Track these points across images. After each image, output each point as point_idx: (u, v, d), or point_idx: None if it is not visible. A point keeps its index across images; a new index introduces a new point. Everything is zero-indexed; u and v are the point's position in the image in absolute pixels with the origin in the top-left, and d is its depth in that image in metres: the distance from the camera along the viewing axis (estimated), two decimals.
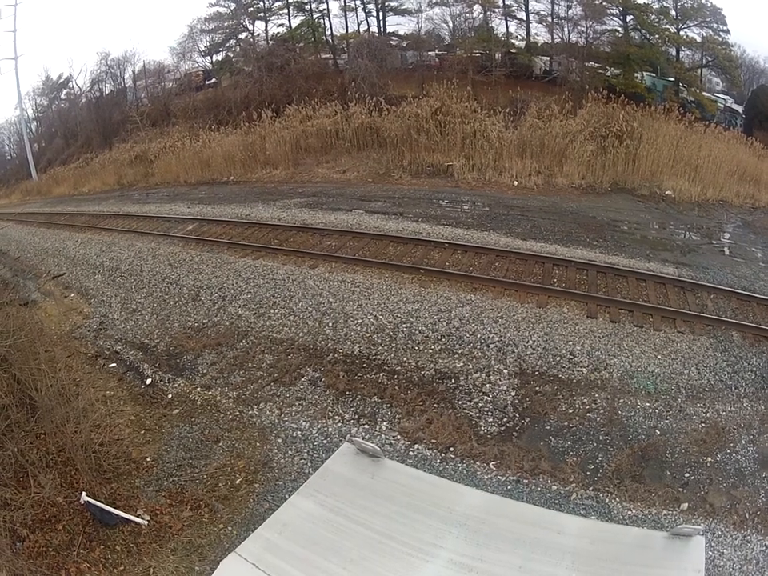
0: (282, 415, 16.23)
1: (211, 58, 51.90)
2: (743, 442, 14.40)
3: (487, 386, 16.39)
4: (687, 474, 13.69)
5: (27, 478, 12.96)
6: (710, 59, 40.25)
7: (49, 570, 11.50)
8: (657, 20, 39.75)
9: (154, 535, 12.73)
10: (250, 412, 16.50)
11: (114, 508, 12.90)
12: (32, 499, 12.54)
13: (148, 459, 14.99)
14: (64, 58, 67.79)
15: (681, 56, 40.54)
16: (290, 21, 48.69)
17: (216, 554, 11.94)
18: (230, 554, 6.38)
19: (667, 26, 39.59)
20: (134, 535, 12.65)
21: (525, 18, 43.44)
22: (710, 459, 13.99)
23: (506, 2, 43.31)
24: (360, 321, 19.39)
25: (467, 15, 44.59)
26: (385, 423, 15.65)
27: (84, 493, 12.87)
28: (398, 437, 15.17)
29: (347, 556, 6.33)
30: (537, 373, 16.76)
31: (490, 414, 15.60)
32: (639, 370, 16.59)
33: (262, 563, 6.20)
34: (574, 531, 6.69)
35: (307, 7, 48.10)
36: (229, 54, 51.95)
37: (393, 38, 47.48)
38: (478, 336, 18.13)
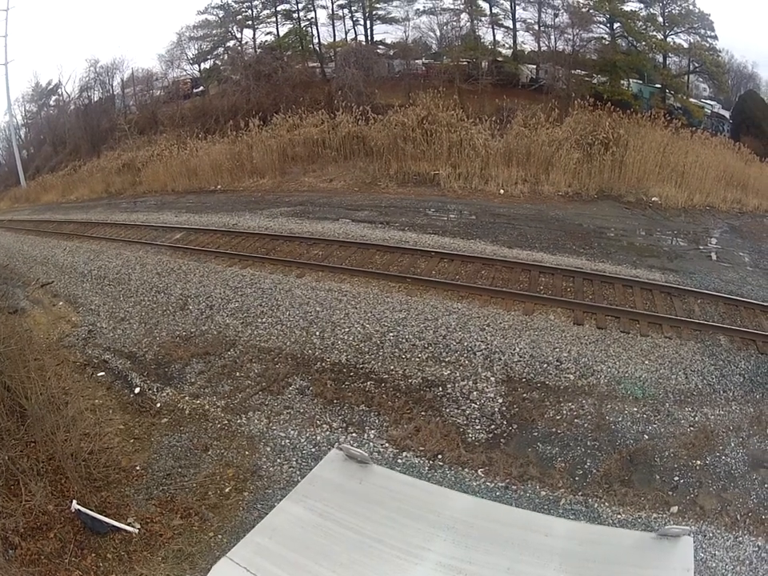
0: (271, 424, 16.23)
1: (199, 65, 52.06)
2: (732, 445, 14.46)
3: (474, 393, 16.43)
4: (676, 478, 13.74)
5: (18, 486, 12.95)
6: (697, 65, 40.42)
7: None
8: (644, 27, 39.89)
9: (145, 543, 12.72)
10: (239, 421, 16.49)
11: (105, 516, 12.91)
12: (23, 507, 12.53)
13: (137, 468, 14.97)
14: (53, 64, 68.07)
15: (668, 62, 40.72)
16: (277, 29, 48.88)
17: (206, 561, 11.92)
18: (222, 559, 6.40)
19: (654, 33, 39.72)
20: (125, 543, 12.64)
21: (512, 27, 43.73)
22: (699, 462, 14.05)
23: (493, 11, 43.53)
24: (347, 330, 19.42)
25: (454, 24, 44.81)
26: (373, 431, 15.66)
27: (75, 501, 12.86)
28: (386, 445, 15.18)
29: (337, 560, 6.35)
30: (524, 380, 16.81)
31: (477, 421, 15.63)
32: (626, 375, 16.65)
33: (253, 567, 6.22)
34: (562, 533, 6.72)
35: (295, 16, 48.29)
36: (217, 62, 52.09)
37: (380, 46, 47.64)
38: (465, 344, 18.18)
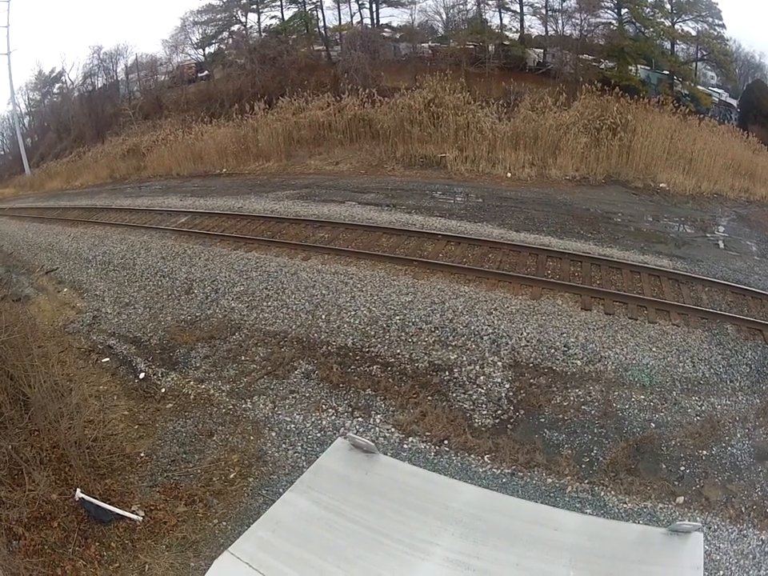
0: (276, 408, 16.22)
1: (204, 50, 51.86)
2: (738, 436, 14.42)
3: (481, 378, 16.39)
4: (683, 468, 13.69)
5: (22, 476, 12.92)
6: (704, 53, 40.19)
7: (45, 569, 11.46)
8: (652, 13, 39.73)
9: (149, 531, 12.72)
10: (244, 405, 16.48)
11: (109, 504, 12.89)
12: (27, 497, 12.49)
13: (142, 454, 14.96)
14: (56, 52, 67.99)
15: (675, 49, 40.49)
16: (282, 13, 48.67)
17: (211, 549, 11.95)
18: (224, 553, 6.31)
19: (662, 20, 39.53)
20: (129, 531, 12.63)
21: (519, 10, 43.42)
22: (705, 453, 13.99)
23: None
24: (353, 313, 19.38)
25: (461, 7, 44.61)
26: (379, 416, 15.64)
27: (78, 489, 12.84)
28: (392, 430, 15.16)
29: (342, 554, 6.28)
30: (531, 365, 16.75)
31: (484, 406, 15.59)
32: (634, 362, 16.58)
33: (256, 562, 6.15)
34: (571, 528, 6.64)
35: None
36: (221, 46, 51.89)
37: (386, 29, 47.44)
38: (472, 328, 18.11)
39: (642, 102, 34.98)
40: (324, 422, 15.56)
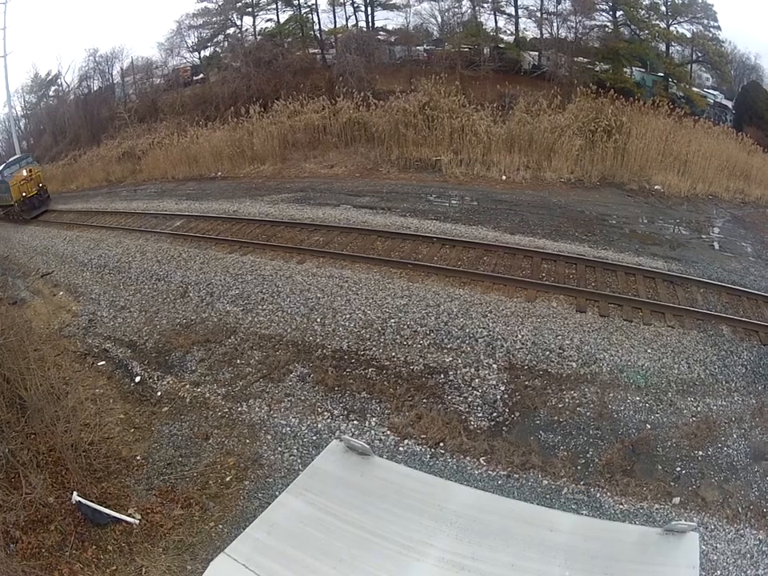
0: (272, 412, 16.24)
1: (199, 53, 51.86)
2: (735, 436, 14.43)
3: (476, 380, 16.41)
4: (679, 468, 13.71)
5: (18, 479, 12.94)
6: (700, 55, 40.19)
7: (42, 572, 11.49)
8: (647, 15, 39.76)
9: (146, 534, 12.74)
10: (240, 409, 16.51)
11: (106, 507, 12.89)
12: (24, 500, 12.51)
13: (138, 458, 14.98)
14: (53, 54, 67.81)
15: (671, 51, 40.50)
16: (278, 16, 48.69)
17: (207, 552, 11.95)
18: (220, 555, 6.34)
19: (657, 22, 39.56)
20: (126, 534, 12.66)
21: (514, 13, 43.45)
22: (701, 453, 14.01)
23: None
24: (348, 316, 19.39)
25: (456, 10, 44.65)
26: (374, 419, 15.66)
27: (75, 492, 12.85)
28: (388, 432, 15.19)
29: (337, 555, 6.30)
30: (526, 367, 16.77)
31: (479, 408, 15.61)
32: (629, 364, 16.58)
33: (252, 563, 6.17)
34: (566, 528, 6.67)
35: (295, 2, 48.06)
36: (217, 49, 51.90)
37: (381, 32, 47.47)
38: (467, 330, 18.12)
39: (636, 104, 34.94)
40: (319, 425, 15.59)
